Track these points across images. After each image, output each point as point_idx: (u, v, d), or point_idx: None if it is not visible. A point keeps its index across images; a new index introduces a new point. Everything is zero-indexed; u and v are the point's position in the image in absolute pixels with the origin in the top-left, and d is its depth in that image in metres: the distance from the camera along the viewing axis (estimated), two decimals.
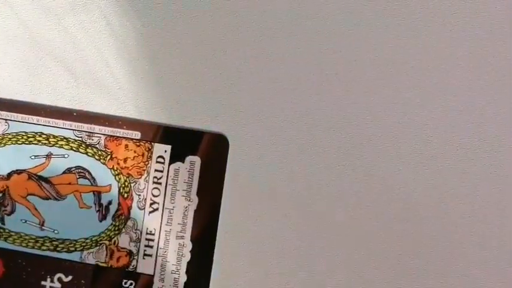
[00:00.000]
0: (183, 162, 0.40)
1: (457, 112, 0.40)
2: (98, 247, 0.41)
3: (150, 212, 0.40)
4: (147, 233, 0.40)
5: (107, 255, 0.41)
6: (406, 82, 0.40)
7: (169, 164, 0.40)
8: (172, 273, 0.40)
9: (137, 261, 0.41)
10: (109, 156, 0.40)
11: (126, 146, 0.40)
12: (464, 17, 0.40)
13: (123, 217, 0.41)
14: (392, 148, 0.40)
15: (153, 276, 0.40)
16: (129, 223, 0.41)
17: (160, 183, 0.40)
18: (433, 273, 0.40)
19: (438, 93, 0.40)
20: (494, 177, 0.40)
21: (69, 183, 0.41)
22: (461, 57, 0.40)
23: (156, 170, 0.40)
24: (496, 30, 0.40)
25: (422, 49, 0.40)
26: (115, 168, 0.40)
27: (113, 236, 0.41)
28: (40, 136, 0.41)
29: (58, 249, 0.41)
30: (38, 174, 0.41)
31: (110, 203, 0.41)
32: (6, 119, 0.41)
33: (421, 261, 0.40)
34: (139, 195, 0.40)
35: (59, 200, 0.41)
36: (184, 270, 0.40)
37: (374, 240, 0.40)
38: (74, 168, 0.41)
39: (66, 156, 0.41)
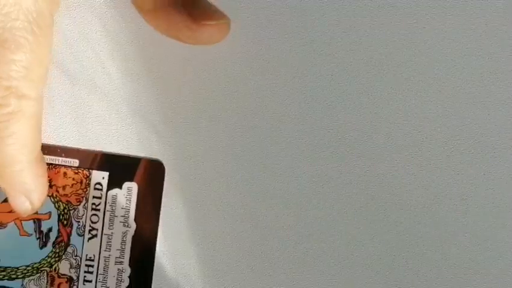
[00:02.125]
0: (121, 188, 0.41)
1: (451, 114, 0.41)
2: (38, 274, 0.41)
3: (89, 238, 0.41)
4: (86, 259, 0.41)
5: (47, 282, 0.41)
6: (399, 83, 0.41)
7: (107, 190, 0.41)
8: None
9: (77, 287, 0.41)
10: (48, 184, 0.41)
11: (65, 173, 0.41)
12: (459, 18, 0.41)
13: (63, 244, 0.41)
14: (386, 150, 0.41)
15: None
16: (69, 250, 0.41)
17: (98, 210, 0.41)
18: (427, 274, 0.40)
19: (432, 95, 0.41)
20: (488, 179, 0.40)
21: (10, 212, 0.41)
22: (456, 59, 0.41)
23: (94, 197, 0.41)
24: (493, 31, 0.41)
25: (417, 51, 0.41)
26: (54, 196, 0.41)
27: (53, 263, 0.41)
28: None
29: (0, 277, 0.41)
30: None
31: (50, 230, 0.41)
32: None
33: (415, 262, 0.40)
34: (78, 221, 0.41)
35: (0, 228, 0.41)
36: None
37: (369, 242, 0.40)
38: None
39: None
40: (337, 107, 0.41)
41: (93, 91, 0.41)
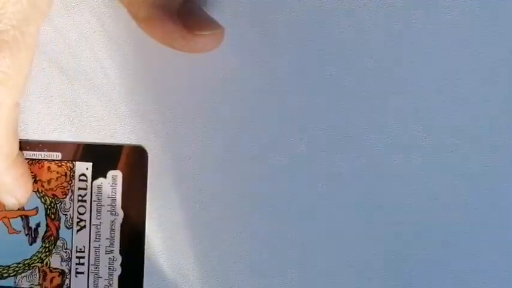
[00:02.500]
0: (105, 177, 0.41)
1: (451, 114, 0.41)
2: (30, 270, 0.41)
3: (78, 230, 0.41)
4: (77, 251, 0.41)
5: (40, 277, 0.41)
6: (399, 83, 0.41)
7: (92, 180, 0.41)
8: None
9: (70, 280, 0.41)
10: (33, 180, 0.41)
11: (49, 167, 0.41)
12: (456, 20, 0.41)
13: (52, 238, 0.41)
14: (385, 150, 0.41)
15: None
16: (59, 243, 0.41)
17: (85, 201, 0.41)
18: (426, 274, 0.40)
19: (432, 94, 0.41)
20: (490, 179, 0.40)
21: None
22: (456, 59, 0.41)
23: (79, 188, 0.41)
24: (492, 31, 0.41)
25: (416, 51, 0.41)
26: (40, 191, 0.41)
27: (44, 258, 0.41)
28: None
29: None
30: None
31: (38, 225, 0.41)
32: None
33: (414, 262, 0.40)
34: (66, 214, 0.41)
35: None
36: (117, 284, 0.41)
37: (368, 242, 0.40)
38: None
39: None
40: (337, 107, 0.41)
41: (91, 91, 0.41)
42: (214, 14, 0.39)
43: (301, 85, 0.41)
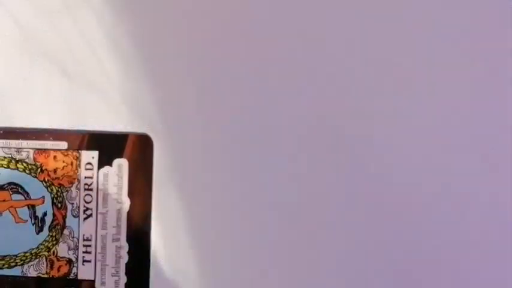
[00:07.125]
0: (111, 166, 0.41)
1: (449, 113, 0.41)
2: (38, 259, 0.41)
3: (85, 219, 0.41)
4: (84, 240, 0.41)
5: (47, 266, 0.41)
6: (397, 81, 0.41)
7: (98, 169, 0.41)
8: (112, 276, 0.41)
9: (77, 269, 0.41)
10: (39, 169, 0.41)
11: (55, 157, 0.41)
12: (456, 19, 0.41)
13: (59, 227, 0.41)
14: (385, 150, 0.41)
15: (94, 281, 0.41)
16: (66, 232, 0.41)
17: (91, 189, 0.41)
18: (425, 274, 0.41)
19: (431, 94, 0.41)
20: (486, 178, 0.41)
21: (4, 200, 0.41)
22: (454, 58, 0.41)
23: (86, 177, 0.41)
24: (489, 31, 0.41)
25: (415, 51, 0.41)
26: (46, 180, 0.41)
27: (51, 247, 0.41)
28: None
29: None
30: None
31: (45, 214, 0.41)
32: None
33: (411, 261, 0.41)
34: (72, 203, 0.41)
35: None
36: (124, 271, 0.41)
37: (368, 242, 0.41)
38: (6, 185, 0.41)
39: None
40: (336, 107, 0.41)
41: (91, 91, 0.41)
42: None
43: (301, 84, 0.41)
